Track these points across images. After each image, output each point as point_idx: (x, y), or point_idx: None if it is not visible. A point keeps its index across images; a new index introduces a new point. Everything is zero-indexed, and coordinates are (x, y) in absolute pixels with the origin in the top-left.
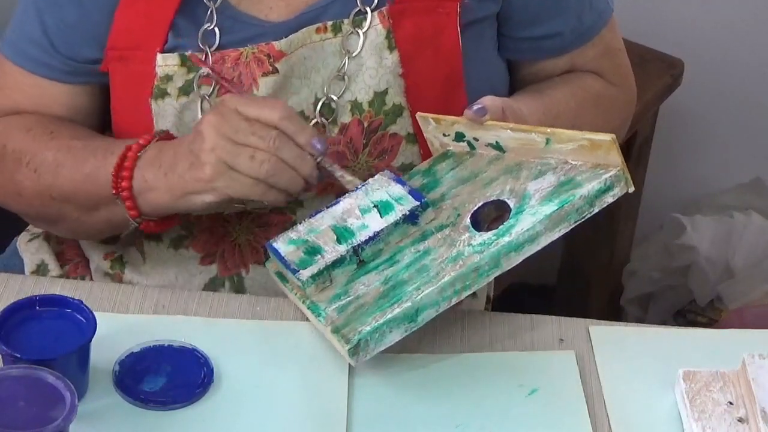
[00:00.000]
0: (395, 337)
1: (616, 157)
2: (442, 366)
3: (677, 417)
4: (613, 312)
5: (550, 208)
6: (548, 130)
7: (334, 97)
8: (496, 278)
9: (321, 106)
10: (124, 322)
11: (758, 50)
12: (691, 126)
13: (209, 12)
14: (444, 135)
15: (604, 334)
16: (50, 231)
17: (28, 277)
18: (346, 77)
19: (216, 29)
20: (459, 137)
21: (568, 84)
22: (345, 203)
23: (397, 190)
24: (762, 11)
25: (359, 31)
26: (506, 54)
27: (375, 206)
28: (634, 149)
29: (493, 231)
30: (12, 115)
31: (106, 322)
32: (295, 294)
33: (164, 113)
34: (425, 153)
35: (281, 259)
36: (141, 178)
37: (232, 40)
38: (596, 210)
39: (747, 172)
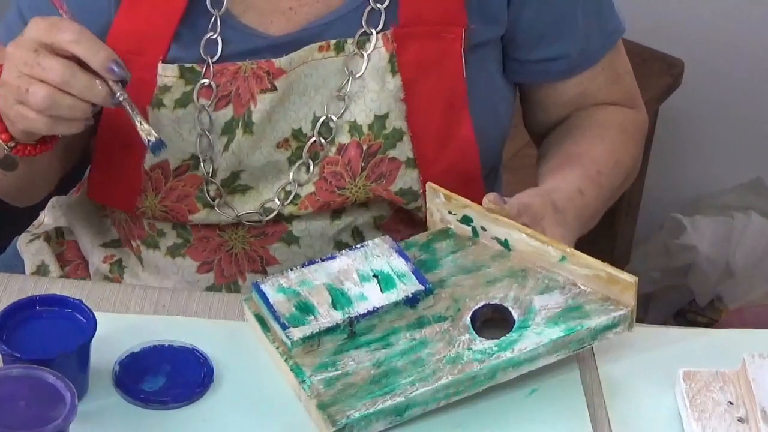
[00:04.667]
0: (379, 427)
1: (630, 299)
2: None
3: (677, 417)
4: None
5: (555, 332)
6: (567, 249)
7: (334, 117)
8: None
9: (320, 125)
10: (124, 322)
11: (758, 50)
12: (691, 126)
13: (212, 21)
14: (450, 213)
15: None
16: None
17: (28, 277)
18: (346, 97)
19: (219, 38)
20: (466, 221)
21: (595, 140)
22: (342, 262)
23: (400, 265)
24: (762, 11)
25: (363, 52)
26: (514, 77)
27: (375, 276)
28: None
29: (495, 341)
30: None
31: (106, 322)
32: (277, 347)
33: (160, 124)
34: (425, 178)
35: (269, 306)
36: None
37: (232, 52)
38: (596, 343)
39: (747, 172)
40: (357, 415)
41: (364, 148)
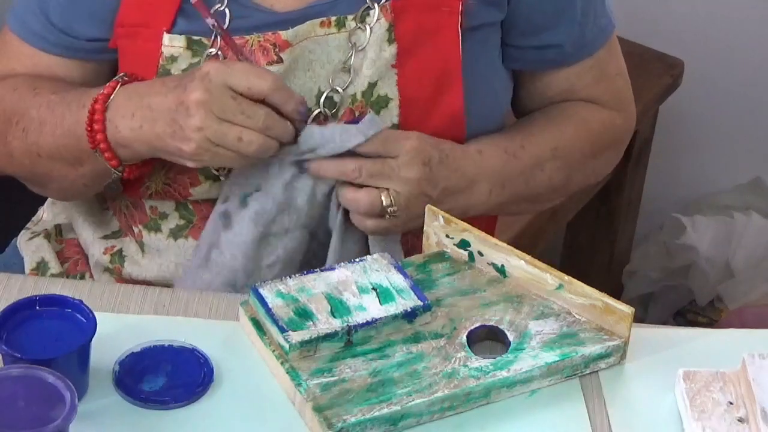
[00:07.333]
0: None
1: (625, 330)
2: None
3: (677, 417)
4: None
5: (551, 356)
6: (565, 277)
7: (339, 89)
8: None
9: (324, 99)
10: (124, 322)
11: (758, 50)
12: (691, 126)
13: None
14: (447, 236)
15: None
16: (45, 193)
17: (28, 276)
18: (351, 70)
19: (227, 10)
20: (463, 245)
21: (542, 122)
22: (340, 273)
23: (399, 281)
24: (762, 11)
25: (366, 25)
26: (510, 64)
27: (374, 289)
28: (634, 149)
29: (491, 360)
30: (5, 78)
31: (106, 322)
32: (273, 351)
33: None
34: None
35: (267, 309)
36: (114, 129)
37: (237, 26)
38: (587, 372)
39: (747, 172)
40: (353, 420)
41: (356, 114)
